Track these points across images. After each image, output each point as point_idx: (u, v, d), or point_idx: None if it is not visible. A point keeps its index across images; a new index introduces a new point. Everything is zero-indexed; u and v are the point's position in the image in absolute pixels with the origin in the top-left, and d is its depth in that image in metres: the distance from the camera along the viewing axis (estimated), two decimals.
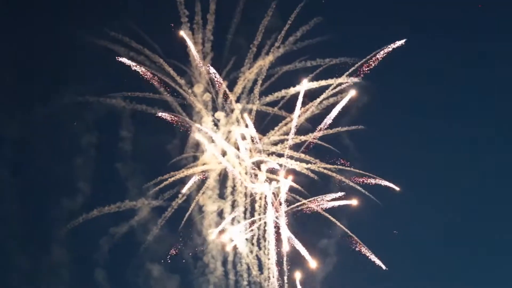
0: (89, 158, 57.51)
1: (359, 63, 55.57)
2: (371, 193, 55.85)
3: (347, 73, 55.79)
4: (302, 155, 56.15)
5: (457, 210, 57.92)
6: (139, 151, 58.17)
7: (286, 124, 56.31)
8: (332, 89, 55.89)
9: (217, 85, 56.72)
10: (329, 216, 55.74)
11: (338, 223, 55.60)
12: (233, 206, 57.17)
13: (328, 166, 55.91)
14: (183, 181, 57.06)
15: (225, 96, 57.09)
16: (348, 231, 55.53)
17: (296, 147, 56.50)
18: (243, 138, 55.96)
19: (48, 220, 57.47)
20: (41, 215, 58.16)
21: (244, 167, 56.31)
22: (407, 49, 55.93)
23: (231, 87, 57.30)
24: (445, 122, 59.18)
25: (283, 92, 56.25)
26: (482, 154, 58.87)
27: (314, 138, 55.77)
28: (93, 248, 57.35)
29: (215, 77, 56.50)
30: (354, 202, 55.60)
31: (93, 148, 57.79)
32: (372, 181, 55.82)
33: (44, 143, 57.12)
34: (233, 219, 56.89)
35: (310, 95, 55.99)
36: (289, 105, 56.24)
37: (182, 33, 56.12)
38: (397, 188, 55.57)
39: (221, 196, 57.67)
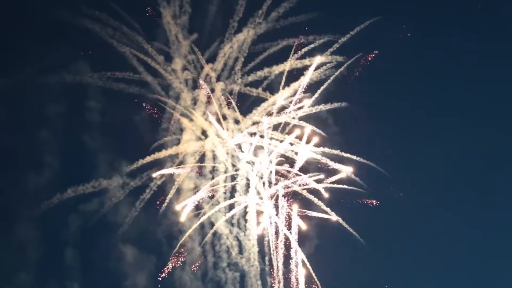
0: (55, 130, 55.60)
1: (342, 40, 54.79)
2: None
3: (331, 50, 54.95)
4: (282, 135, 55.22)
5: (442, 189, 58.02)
6: (111, 127, 56.55)
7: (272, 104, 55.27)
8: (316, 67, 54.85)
9: (197, 62, 55.28)
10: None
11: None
12: (213, 185, 56.03)
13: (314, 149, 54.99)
14: (160, 162, 55.88)
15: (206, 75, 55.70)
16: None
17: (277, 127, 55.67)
18: (224, 118, 54.77)
19: (14, 196, 55.25)
20: (6, 192, 55.47)
21: (226, 147, 55.18)
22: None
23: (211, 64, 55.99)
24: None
25: (265, 71, 55.05)
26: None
27: (293, 118, 54.85)
28: (63, 227, 55.80)
29: (195, 53, 55.02)
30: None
31: (60, 120, 55.77)
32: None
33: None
34: (211, 197, 55.88)
35: (293, 74, 55.04)
36: (272, 84, 55.49)
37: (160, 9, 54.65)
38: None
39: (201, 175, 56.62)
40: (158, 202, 55.26)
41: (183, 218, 54.92)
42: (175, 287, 56.56)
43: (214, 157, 55.44)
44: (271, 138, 54.36)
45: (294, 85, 54.27)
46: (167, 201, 54.76)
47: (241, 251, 55.85)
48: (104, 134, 55.95)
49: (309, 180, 53.50)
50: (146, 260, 56.45)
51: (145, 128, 56.06)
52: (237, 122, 55.02)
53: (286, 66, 54.27)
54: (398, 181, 55.92)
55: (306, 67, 54.66)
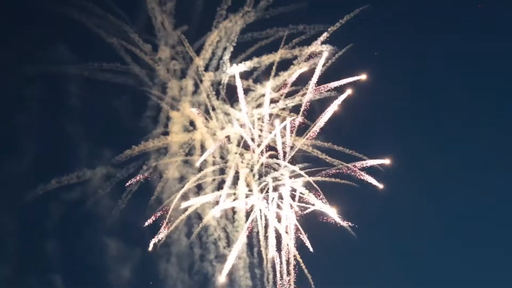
0: (37, 119, 54.39)
1: (332, 29, 53.95)
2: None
3: (321, 39, 54.11)
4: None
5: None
6: (94, 116, 55.40)
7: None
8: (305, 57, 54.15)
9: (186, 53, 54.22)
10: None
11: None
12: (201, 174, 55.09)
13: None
14: (147, 153, 54.88)
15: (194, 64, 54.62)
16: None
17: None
18: (213, 109, 53.83)
19: None
20: None
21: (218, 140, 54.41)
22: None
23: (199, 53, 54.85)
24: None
25: (255, 61, 54.16)
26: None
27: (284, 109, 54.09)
28: (46, 218, 54.64)
29: (183, 45, 53.95)
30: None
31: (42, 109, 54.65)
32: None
33: None
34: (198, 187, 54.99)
35: (283, 64, 54.22)
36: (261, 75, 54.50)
37: None
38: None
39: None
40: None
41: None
42: (160, 279, 56.29)
43: (203, 149, 54.72)
44: (261, 130, 53.75)
45: (284, 75, 53.74)
46: (155, 194, 54.16)
47: (229, 243, 55.39)
48: (87, 123, 54.92)
49: (301, 172, 53.12)
50: (130, 253, 55.76)
51: (129, 117, 55.08)
52: (226, 114, 54.24)
53: (276, 56, 53.56)
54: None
55: (295, 57, 54.26)
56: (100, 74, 53.58)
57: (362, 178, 53.54)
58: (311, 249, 53.25)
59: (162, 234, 53.58)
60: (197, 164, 53.52)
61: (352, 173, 53.58)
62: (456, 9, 58.45)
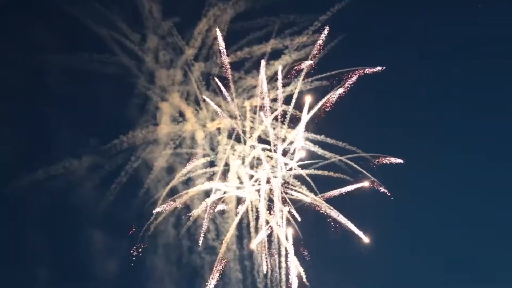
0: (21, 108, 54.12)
1: (323, 18, 53.36)
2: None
3: (312, 29, 53.56)
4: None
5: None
6: (79, 105, 54.91)
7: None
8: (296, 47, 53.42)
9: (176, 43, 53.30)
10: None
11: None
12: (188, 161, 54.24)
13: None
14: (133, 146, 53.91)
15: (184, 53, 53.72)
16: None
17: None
18: (203, 100, 53.07)
19: None
20: None
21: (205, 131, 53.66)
22: None
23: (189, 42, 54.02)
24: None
25: (246, 51, 53.38)
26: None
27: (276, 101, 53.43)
28: (31, 209, 54.01)
29: (173, 35, 53.04)
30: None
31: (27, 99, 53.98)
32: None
33: None
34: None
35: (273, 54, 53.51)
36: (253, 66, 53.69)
37: None
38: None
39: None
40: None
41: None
42: (147, 272, 55.60)
43: (193, 140, 53.93)
44: (253, 121, 53.14)
45: (276, 66, 53.02)
46: (145, 187, 53.32)
47: (218, 235, 54.80)
48: (74, 113, 54.58)
49: (294, 165, 52.61)
50: (117, 245, 55.02)
51: (116, 108, 54.16)
52: (218, 105, 53.50)
53: (268, 47, 52.87)
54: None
55: (286, 47, 53.59)
56: (88, 64, 52.55)
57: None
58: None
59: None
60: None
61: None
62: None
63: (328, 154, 52.29)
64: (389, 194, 53.02)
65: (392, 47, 57.26)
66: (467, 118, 58.09)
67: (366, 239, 51.76)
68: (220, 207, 53.07)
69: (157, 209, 53.07)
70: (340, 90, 52.28)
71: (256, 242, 52.62)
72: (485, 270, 57.15)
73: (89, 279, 54.94)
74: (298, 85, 51.93)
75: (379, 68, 52.23)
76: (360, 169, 52.00)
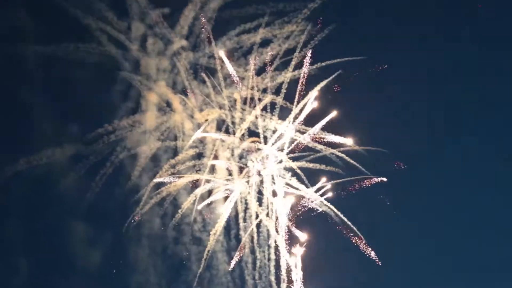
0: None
1: (312, 6, 52.45)
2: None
3: (303, 17, 52.68)
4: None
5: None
6: (62, 94, 53.36)
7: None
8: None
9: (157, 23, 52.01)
10: None
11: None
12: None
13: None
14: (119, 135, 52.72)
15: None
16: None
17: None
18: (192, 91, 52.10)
19: None
20: None
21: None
22: None
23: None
24: None
25: (234, 41, 52.46)
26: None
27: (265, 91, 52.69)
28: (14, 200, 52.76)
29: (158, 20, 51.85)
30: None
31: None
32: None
33: None
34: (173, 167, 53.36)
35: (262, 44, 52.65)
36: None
37: None
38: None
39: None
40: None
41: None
42: (130, 264, 54.83)
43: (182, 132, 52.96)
44: (242, 112, 52.32)
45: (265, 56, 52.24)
46: (133, 178, 52.27)
47: (205, 226, 54.16)
48: (57, 101, 53.10)
49: (284, 157, 52.03)
50: (100, 236, 54.22)
51: (101, 96, 52.78)
52: (207, 96, 52.61)
53: (257, 36, 52.04)
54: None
55: (276, 36, 52.75)
56: (72, 53, 51.14)
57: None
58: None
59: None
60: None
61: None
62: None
63: (319, 146, 52.23)
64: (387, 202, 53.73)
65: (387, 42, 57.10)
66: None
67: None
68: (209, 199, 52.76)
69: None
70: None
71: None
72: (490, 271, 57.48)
73: (71, 271, 54.02)
74: (288, 75, 51.69)
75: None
76: (353, 162, 52.06)
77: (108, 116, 52.44)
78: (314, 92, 51.46)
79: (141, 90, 52.61)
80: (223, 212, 51.96)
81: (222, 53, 51.14)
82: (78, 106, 52.87)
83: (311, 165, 52.33)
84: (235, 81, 51.47)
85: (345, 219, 51.95)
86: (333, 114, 51.41)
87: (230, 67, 50.88)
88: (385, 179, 52.36)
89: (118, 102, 52.67)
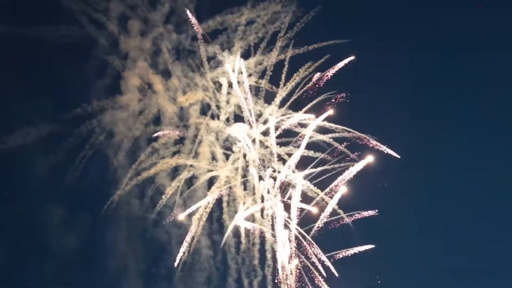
0: None
1: None
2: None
3: None
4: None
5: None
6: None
7: None
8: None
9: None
10: None
11: None
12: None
13: None
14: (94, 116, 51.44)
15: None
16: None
17: None
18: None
19: None
20: None
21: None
22: None
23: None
24: None
25: (218, 21, 51.21)
26: None
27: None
28: None
29: None
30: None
31: None
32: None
33: None
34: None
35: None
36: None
37: None
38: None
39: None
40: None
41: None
42: (106, 246, 53.85)
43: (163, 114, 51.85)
44: (229, 93, 51.36)
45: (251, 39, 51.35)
46: (115, 163, 51.08)
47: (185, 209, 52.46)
48: (35, 82, 51.95)
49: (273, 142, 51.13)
50: (77, 220, 52.97)
51: (79, 76, 51.34)
52: (185, 76, 51.46)
53: (242, 18, 50.96)
54: None
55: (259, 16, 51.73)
56: (53, 36, 49.31)
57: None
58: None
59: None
60: None
61: None
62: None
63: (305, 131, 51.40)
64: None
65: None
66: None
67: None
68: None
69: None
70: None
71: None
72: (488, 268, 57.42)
73: (47, 255, 53.14)
74: (273, 56, 50.89)
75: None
76: (343, 149, 51.53)
77: (86, 96, 51.17)
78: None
79: (119, 70, 51.36)
80: (208, 197, 51.37)
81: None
82: (54, 85, 52.00)
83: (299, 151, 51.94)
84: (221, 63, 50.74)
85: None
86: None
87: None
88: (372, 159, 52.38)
89: (96, 82, 51.35)
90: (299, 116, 50.41)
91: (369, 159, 50.73)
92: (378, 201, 52.74)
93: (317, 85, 51.33)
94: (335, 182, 50.59)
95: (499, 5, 58.03)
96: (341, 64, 51.38)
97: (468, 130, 58.67)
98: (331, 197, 50.42)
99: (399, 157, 51.57)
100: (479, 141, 58.63)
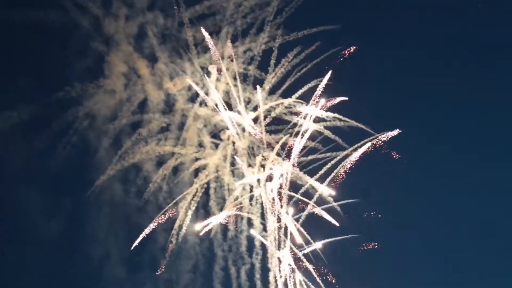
0: None
1: None
2: None
3: None
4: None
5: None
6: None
7: None
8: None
9: None
10: None
11: None
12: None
13: None
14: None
15: None
16: None
17: None
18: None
19: None
20: None
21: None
22: None
23: None
24: None
25: (205, 5, 50.03)
26: None
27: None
28: None
29: None
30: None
31: None
32: None
33: None
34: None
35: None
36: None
37: None
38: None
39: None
40: None
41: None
42: (86, 233, 53.14)
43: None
44: (217, 80, 50.15)
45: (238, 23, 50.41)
46: (102, 150, 49.93)
47: (171, 194, 52.06)
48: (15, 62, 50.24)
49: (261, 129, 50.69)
50: (57, 205, 52.47)
51: (61, 59, 49.93)
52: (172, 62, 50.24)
53: (230, 2, 49.79)
54: None
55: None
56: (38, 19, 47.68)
57: None
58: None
59: None
60: None
61: None
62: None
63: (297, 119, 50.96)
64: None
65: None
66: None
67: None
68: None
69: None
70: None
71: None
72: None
73: (28, 242, 52.12)
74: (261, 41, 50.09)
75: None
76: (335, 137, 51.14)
77: (69, 80, 49.67)
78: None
79: (103, 53, 50.11)
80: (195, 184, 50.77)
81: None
82: (37, 68, 50.47)
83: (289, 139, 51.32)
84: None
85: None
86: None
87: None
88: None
89: (79, 65, 49.87)
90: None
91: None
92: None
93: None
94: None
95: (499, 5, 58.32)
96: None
97: (468, 130, 59.72)
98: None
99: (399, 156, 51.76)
100: (479, 141, 59.66)
